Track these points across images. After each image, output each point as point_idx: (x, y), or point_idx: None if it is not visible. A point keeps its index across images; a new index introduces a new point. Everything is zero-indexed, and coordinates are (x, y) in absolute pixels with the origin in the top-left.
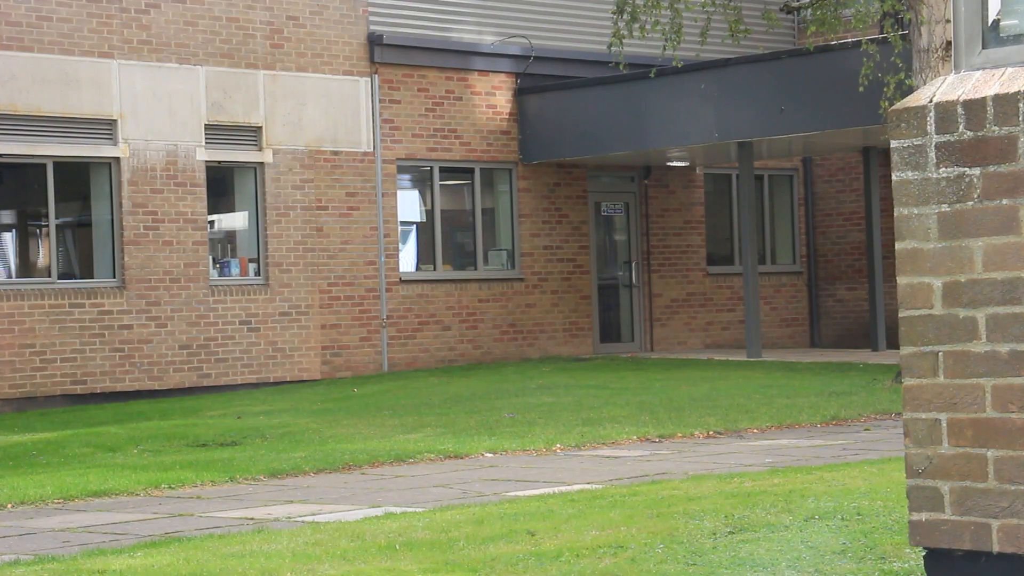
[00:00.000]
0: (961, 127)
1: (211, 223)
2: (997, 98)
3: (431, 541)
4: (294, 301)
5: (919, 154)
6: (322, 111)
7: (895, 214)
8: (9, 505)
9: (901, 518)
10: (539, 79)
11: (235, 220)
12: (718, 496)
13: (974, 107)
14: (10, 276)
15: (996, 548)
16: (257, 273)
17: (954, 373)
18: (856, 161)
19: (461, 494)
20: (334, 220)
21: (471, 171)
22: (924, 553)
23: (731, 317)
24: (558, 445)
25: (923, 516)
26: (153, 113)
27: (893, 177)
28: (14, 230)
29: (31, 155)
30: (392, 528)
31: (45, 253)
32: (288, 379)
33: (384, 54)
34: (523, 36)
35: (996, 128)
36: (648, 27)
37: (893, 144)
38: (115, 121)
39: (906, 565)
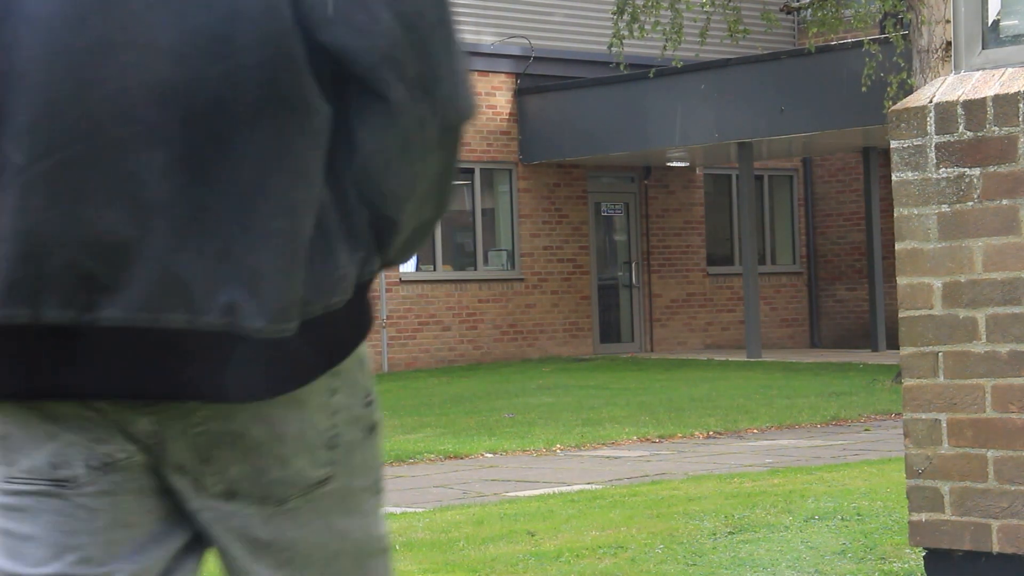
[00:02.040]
0: (961, 127)
1: None
2: (997, 98)
3: (431, 541)
4: None
5: (919, 154)
6: None
7: (895, 214)
8: None
9: (901, 518)
10: (539, 79)
11: None
12: (718, 496)
13: (974, 107)
14: None
15: (996, 548)
16: None
17: (954, 373)
18: (856, 161)
19: (461, 494)
20: None
21: (471, 171)
22: (924, 553)
23: (731, 317)
24: (558, 445)
25: (923, 517)
26: None
27: (893, 177)
28: None
29: None
30: (392, 528)
31: None
32: None
33: None
34: (523, 36)
35: (996, 128)
36: (648, 27)
37: (893, 144)
38: None
39: (906, 565)
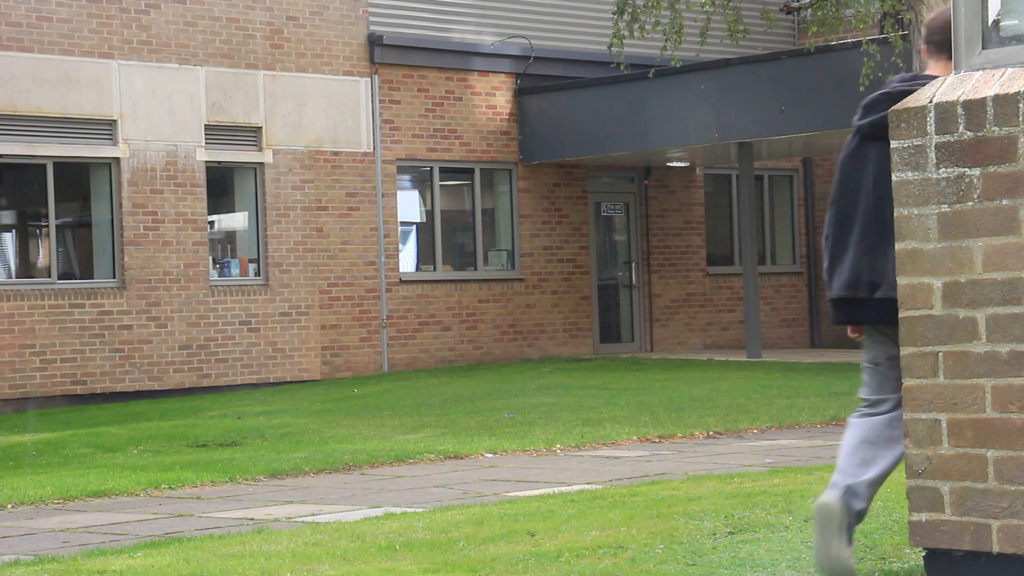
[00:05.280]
0: (961, 127)
1: (211, 223)
2: (997, 98)
3: (431, 541)
4: (294, 301)
5: (919, 154)
6: (322, 111)
7: (895, 214)
8: (9, 505)
9: (901, 518)
10: (539, 79)
11: (235, 220)
12: (718, 496)
13: (974, 107)
14: (10, 276)
15: (996, 548)
16: (257, 273)
17: (954, 373)
18: None
19: (461, 494)
20: (334, 220)
21: (471, 171)
22: (924, 553)
23: (731, 317)
24: (558, 445)
25: (923, 517)
26: (153, 113)
27: (893, 177)
28: (14, 230)
29: (31, 155)
30: (392, 528)
31: (45, 253)
32: (288, 379)
33: (384, 54)
34: (523, 36)
35: (996, 128)
36: (648, 27)
37: (893, 144)
38: (115, 121)
39: (906, 565)
